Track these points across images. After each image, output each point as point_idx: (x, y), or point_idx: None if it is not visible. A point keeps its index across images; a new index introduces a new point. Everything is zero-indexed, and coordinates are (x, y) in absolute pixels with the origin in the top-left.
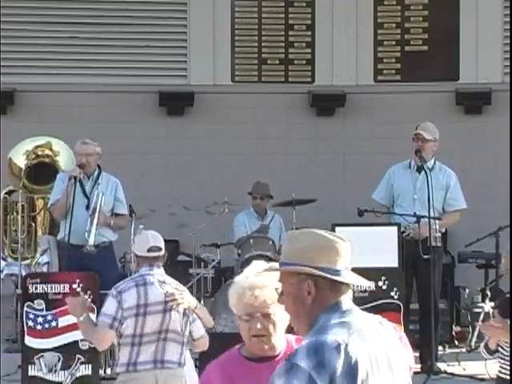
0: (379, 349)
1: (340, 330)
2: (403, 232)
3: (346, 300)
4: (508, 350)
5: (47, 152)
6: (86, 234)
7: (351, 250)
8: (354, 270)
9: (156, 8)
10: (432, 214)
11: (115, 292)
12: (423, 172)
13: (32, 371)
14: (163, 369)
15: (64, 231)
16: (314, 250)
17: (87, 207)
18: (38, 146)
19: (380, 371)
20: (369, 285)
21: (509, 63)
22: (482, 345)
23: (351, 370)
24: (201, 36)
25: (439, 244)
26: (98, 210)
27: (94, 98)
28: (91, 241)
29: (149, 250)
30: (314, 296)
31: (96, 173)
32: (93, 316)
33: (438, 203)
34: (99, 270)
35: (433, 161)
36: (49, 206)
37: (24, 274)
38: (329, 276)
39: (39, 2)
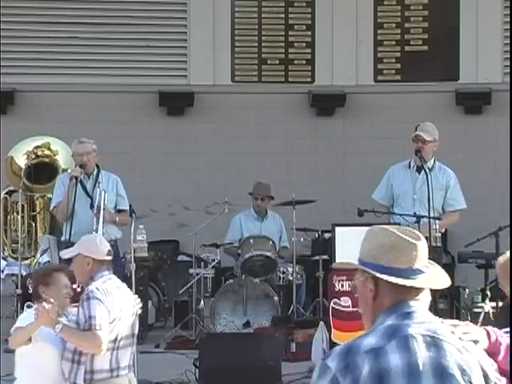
0: (427, 358)
1: (383, 333)
2: None
3: (410, 302)
4: None
5: (46, 152)
6: (94, 233)
7: (423, 247)
8: (355, 270)
9: (156, 8)
10: (432, 214)
11: (99, 296)
12: (423, 172)
13: None
14: (130, 372)
15: (68, 232)
16: (377, 248)
17: (91, 206)
18: (37, 147)
19: (421, 381)
20: (444, 286)
21: (509, 63)
22: None
23: (378, 376)
24: (201, 36)
25: (439, 244)
26: (102, 208)
27: (94, 98)
28: None
29: (107, 254)
30: (375, 295)
31: (95, 172)
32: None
33: (437, 203)
34: None
35: (432, 161)
36: (51, 208)
37: (24, 273)
38: (381, 276)
39: (39, 2)
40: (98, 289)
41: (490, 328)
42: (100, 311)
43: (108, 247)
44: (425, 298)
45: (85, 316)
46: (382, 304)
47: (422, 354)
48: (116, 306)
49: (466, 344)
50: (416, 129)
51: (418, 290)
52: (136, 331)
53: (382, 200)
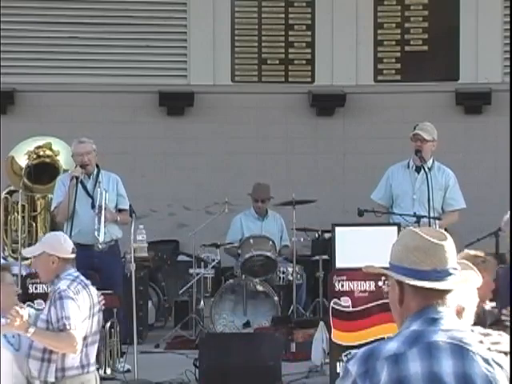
0: (450, 367)
1: (405, 339)
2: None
3: (438, 308)
4: None
5: (48, 152)
6: (96, 233)
7: (450, 248)
8: (355, 270)
9: (156, 8)
10: (432, 214)
11: (72, 295)
12: (422, 172)
13: None
14: (96, 369)
15: (69, 232)
16: (402, 250)
17: (92, 206)
18: (38, 147)
19: None
20: (475, 287)
21: (509, 63)
22: None
23: (397, 382)
24: (201, 36)
25: None
26: (103, 208)
27: (94, 98)
28: (101, 239)
29: (72, 252)
30: (401, 299)
31: (95, 171)
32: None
33: (437, 203)
34: (108, 269)
35: (431, 161)
36: (52, 209)
37: (24, 274)
38: (401, 278)
39: (39, 2)
40: (69, 288)
41: None
42: (73, 310)
43: (72, 245)
44: (453, 303)
45: (57, 316)
46: (408, 308)
47: (445, 363)
48: (86, 304)
49: (495, 355)
50: (414, 129)
51: (447, 294)
52: (100, 328)
53: (380, 200)
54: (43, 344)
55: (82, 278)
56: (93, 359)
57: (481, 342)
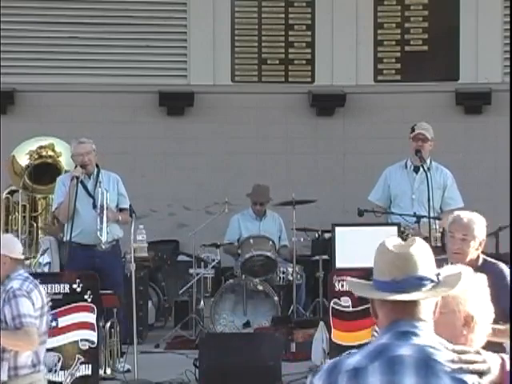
0: (413, 382)
1: (369, 353)
2: (403, 232)
3: (409, 321)
4: None
5: (50, 153)
6: (99, 233)
7: (413, 257)
8: (355, 270)
9: (156, 8)
10: (432, 214)
11: (25, 293)
12: (421, 172)
13: None
14: (44, 369)
15: (71, 232)
16: (373, 263)
17: (93, 206)
18: (41, 147)
19: None
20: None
21: (509, 63)
22: None
23: None
24: (201, 36)
25: (439, 244)
26: (105, 207)
27: (94, 98)
28: (104, 239)
29: (22, 253)
30: (374, 314)
31: (96, 171)
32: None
33: (436, 202)
34: (109, 269)
35: (429, 160)
36: (53, 209)
37: None
38: (356, 292)
39: (39, 2)
40: (21, 287)
41: (506, 356)
42: (28, 308)
43: (21, 247)
44: (428, 315)
45: (13, 314)
46: (381, 322)
47: (408, 380)
48: (38, 303)
49: (466, 376)
50: (413, 129)
51: (415, 306)
52: (48, 327)
53: (378, 201)
54: (3, 344)
55: (31, 278)
56: (42, 358)
57: (453, 360)
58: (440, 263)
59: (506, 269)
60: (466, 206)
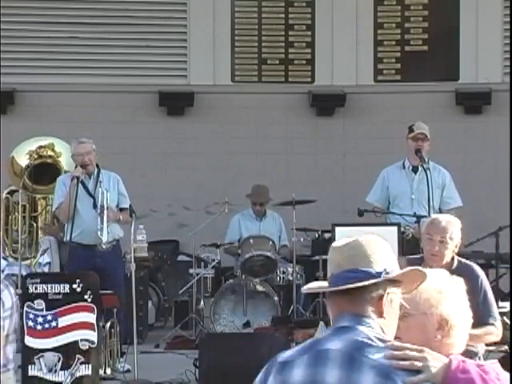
0: (333, 378)
1: (302, 347)
2: (403, 232)
3: (349, 317)
4: None
5: (50, 153)
6: (99, 233)
7: (347, 251)
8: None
9: (156, 8)
10: (432, 214)
11: None
12: (420, 172)
13: (32, 371)
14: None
15: (72, 232)
16: None
17: (94, 206)
18: (41, 147)
19: None
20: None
21: (509, 63)
22: None
23: None
24: (201, 36)
25: None
26: (105, 207)
27: (94, 98)
28: (105, 239)
29: None
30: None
31: (96, 171)
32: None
33: (435, 202)
34: (110, 269)
35: (427, 160)
36: (54, 209)
37: (24, 274)
38: (303, 289)
39: (39, 2)
40: None
41: (460, 358)
42: None
43: None
44: (377, 312)
45: None
46: (331, 320)
47: (330, 372)
48: (7, 303)
49: (395, 372)
50: (412, 130)
51: (353, 301)
52: (17, 326)
53: (377, 202)
54: None
55: (2, 278)
56: (11, 357)
57: (384, 356)
58: (415, 262)
59: (479, 270)
60: (466, 206)
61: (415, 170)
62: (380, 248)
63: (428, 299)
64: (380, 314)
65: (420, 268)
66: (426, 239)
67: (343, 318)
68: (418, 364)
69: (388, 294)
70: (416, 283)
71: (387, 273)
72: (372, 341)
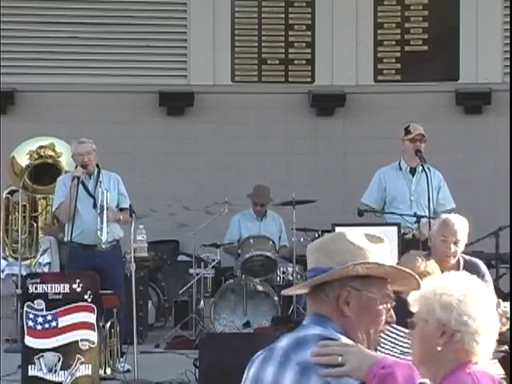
0: (268, 375)
1: (268, 345)
2: (405, 234)
3: (308, 315)
4: None
5: (50, 153)
6: (99, 233)
7: (315, 248)
8: None
9: (156, 8)
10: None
11: None
12: (417, 173)
13: (32, 371)
14: None
15: (70, 232)
16: None
17: (94, 206)
18: (41, 147)
19: None
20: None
21: (509, 63)
22: None
23: None
24: (201, 36)
25: None
26: (105, 207)
27: (94, 98)
28: (104, 238)
29: None
30: None
31: (96, 171)
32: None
33: (434, 203)
34: (110, 269)
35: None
36: (54, 209)
37: (24, 274)
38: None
39: (39, 2)
40: None
41: (382, 361)
42: None
43: None
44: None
45: None
46: None
47: (268, 369)
48: None
49: (315, 368)
50: (409, 131)
51: (316, 302)
52: None
53: (373, 203)
54: None
55: None
56: None
57: (312, 352)
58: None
59: (483, 266)
60: (466, 206)
61: (413, 171)
62: (341, 243)
63: (427, 304)
64: (340, 313)
65: (397, 266)
66: (440, 241)
67: (307, 318)
68: (338, 358)
69: (349, 292)
70: (409, 281)
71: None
72: (315, 339)
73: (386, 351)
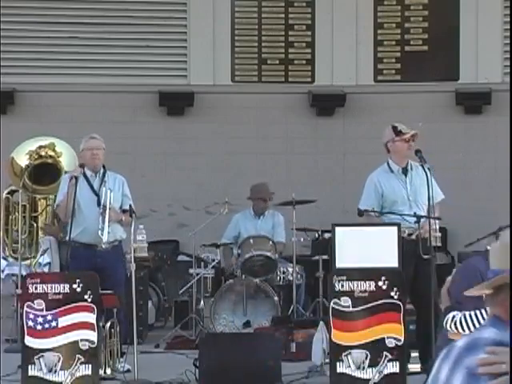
0: (442, 375)
1: None
2: (410, 234)
3: (488, 316)
4: None
5: (50, 153)
6: (100, 232)
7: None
8: (355, 270)
9: (156, 8)
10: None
11: None
12: (408, 173)
13: (32, 371)
14: None
15: (71, 232)
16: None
17: (98, 204)
18: (41, 147)
19: None
20: None
21: (509, 63)
22: None
23: None
24: (201, 36)
25: (439, 244)
26: (108, 207)
27: (94, 98)
28: (105, 238)
29: None
30: None
31: (102, 171)
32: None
33: (426, 200)
34: (110, 269)
35: (409, 160)
36: (55, 207)
37: (24, 274)
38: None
39: (39, 2)
40: None
41: None
42: None
43: None
44: None
45: None
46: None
47: (444, 367)
48: None
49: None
50: (400, 132)
51: (495, 301)
52: None
53: (371, 208)
54: None
55: None
56: None
57: (477, 360)
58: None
59: None
60: (467, 206)
61: (404, 171)
62: None
63: None
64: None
65: None
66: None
67: (487, 319)
68: (502, 367)
69: None
70: None
71: None
72: (486, 343)
73: None
